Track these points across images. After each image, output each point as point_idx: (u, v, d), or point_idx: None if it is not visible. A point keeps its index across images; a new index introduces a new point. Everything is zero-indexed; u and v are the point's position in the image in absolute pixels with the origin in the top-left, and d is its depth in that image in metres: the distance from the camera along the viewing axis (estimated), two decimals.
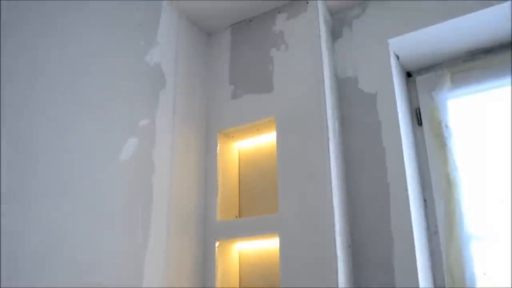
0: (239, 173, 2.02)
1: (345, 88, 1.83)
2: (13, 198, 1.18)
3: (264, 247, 1.84)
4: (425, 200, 1.78)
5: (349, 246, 1.62)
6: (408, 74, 1.96)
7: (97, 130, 1.47)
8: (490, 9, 1.58)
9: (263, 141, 1.98)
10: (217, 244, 1.80)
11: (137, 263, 1.53)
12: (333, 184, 1.59)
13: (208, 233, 1.82)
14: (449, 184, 1.75)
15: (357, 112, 1.77)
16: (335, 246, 1.51)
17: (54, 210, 1.28)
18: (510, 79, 1.73)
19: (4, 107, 1.20)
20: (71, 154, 1.37)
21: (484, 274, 1.60)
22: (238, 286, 1.84)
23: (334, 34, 1.92)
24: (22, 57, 1.28)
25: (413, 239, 1.53)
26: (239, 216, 1.94)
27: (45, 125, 1.31)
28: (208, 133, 1.96)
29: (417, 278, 1.49)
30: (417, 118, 1.88)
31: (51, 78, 1.35)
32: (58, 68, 1.38)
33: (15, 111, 1.23)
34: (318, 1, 1.81)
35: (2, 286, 1.11)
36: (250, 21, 2.00)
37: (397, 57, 1.85)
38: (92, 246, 1.38)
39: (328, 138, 1.63)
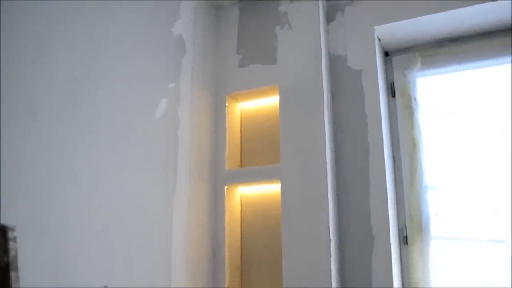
0: (240, 129, 2.39)
1: (336, 64, 2.21)
2: (78, 147, 1.53)
3: (261, 191, 2.26)
4: (393, 157, 2.21)
5: (336, 193, 2.06)
6: (386, 53, 2.36)
7: (139, 92, 1.80)
8: (457, 10, 1.98)
9: (262, 103, 2.35)
10: (225, 187, 2.19)
11: (169, 201, 1.91)
12: (326, 142, 2.00)
13: (218, 179, 2.21)
14: (413, 146, 2.19)
15: (345, 85, 2.17)
16: (326, 190, 1.94)
17: (112, 158, 1.64)
18: (469, 65, 2.17)
19: (67, 76, 1.52)
20: (123, 114, 1.71)
21: (437, 215, 2.08)
22: (240, 220, 2.26)
23: (328, 17, 2.28)
24: (82, 34, 1.59)
25: (385, 186, 1.98)
26: (241, 166, 2.33)
27: (104, 89, 1.64)
28: (218, 96, 2.31)
29: (388, 216, 1.95)
30: (391, 91, 2.29)
31: (108, 52, 1.67)
32: (110, 40, 1.70)
33: (80, 79, 1.56)
34: None
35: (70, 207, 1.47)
36: None
37: (379, 39, 2.24)
38: (136, 187, 1.74)
39: (323, 105, 2.03)
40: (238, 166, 2.33)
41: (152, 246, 1.79)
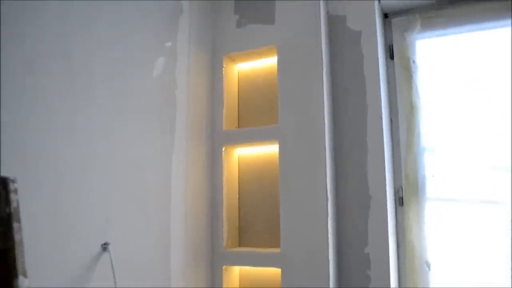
0: (238, 90, 2.38)
1: (335, 25, 2.19)
2: (76, 102, 1.52)
3: (258, 152, 2.27)
4: (391, 119, 2.22)
5: (333, 153, 2.07)
6: (386, 15, 2.33)
7: (136, 50, 1.78)
8: None
9: (260, 64, 2.33)
10: (223, 148, 2.20)
11: (167, 161, 1.91)
12: (324, 103, 2.00)
13: (216, 140, 2.21)
14: (411, 108, 2.19)
15: (344, 46, 2.15)
16: (324, 150, 1.95)
17: (109, 114, 1.63)
18: (469, 28, 2.15)
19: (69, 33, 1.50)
20: (120, 71, 1.69)
21: (433, 176, 2.10)
22: (237, 181, 2.28)
23: None
24: None
25: (383, 147, 2.00)
26: (239, 127, 2.33)
27: (101, 45, 1.61)
28: (216, 57, 2.29)
29: (384, 176, 1.97)
30: (390, 53, 2.28)
31: (104, 9, 1.64)
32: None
33: (76, 35, 1.53)
34: None
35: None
36: None
37: (379, 0, 2.21)
38: (134, 145, 1.73)
39: (322, 66, 2.02)
40: (236, 127, 2.33)
41: (151, 205, 1.80)
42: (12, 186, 1.14)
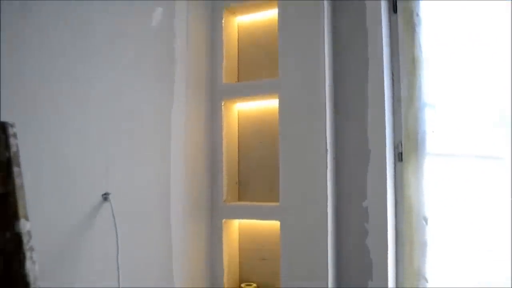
0: (238, 43, 2.34)
1: None
2: (72, 49, 1.49)
3: (258, 106, 2.25)
4: (392, 74, 2.19)
5: (334, 106, 2.05)
6: None
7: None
8: None
9: (261, 16, 2.29)
10: (223, 103, 2.18)
11: (167, 114, 1.89)
12: (325, 56, 1.97)
13: (216, 93, 2.19)
14: (413, 62, 2.16)
15: None
16: (324, 103, 1.94)
17: (105, 61, 1.60)
18: None
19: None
20: (116, 18, 1.65)
21: (432, 132, 2.09)
22: (237, 135, 2.28)
23: None
24: None
25: (383, 101, 1.99)
26: (238, 81, 2.31)
27: None
28: (215, 9, 2.24)
29: (384, 130, 1.96)
30: (393, 6, 2.23)
31: None
32: None
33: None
34: None
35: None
36: None
37: None
38: (132, 94, 1.71)
39: (324, 18, 1.98)
40: (236, 81, 2.30)
41: (151, 158, 1.80)
42: (11, 131, 1.13)
